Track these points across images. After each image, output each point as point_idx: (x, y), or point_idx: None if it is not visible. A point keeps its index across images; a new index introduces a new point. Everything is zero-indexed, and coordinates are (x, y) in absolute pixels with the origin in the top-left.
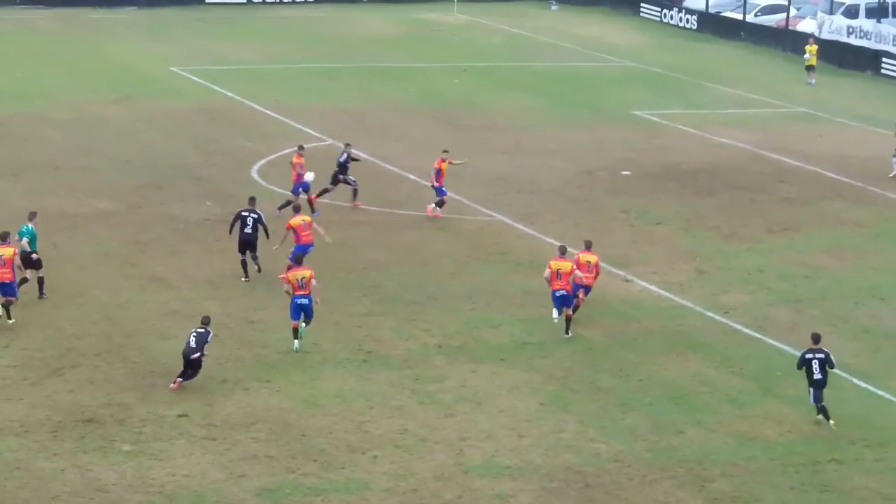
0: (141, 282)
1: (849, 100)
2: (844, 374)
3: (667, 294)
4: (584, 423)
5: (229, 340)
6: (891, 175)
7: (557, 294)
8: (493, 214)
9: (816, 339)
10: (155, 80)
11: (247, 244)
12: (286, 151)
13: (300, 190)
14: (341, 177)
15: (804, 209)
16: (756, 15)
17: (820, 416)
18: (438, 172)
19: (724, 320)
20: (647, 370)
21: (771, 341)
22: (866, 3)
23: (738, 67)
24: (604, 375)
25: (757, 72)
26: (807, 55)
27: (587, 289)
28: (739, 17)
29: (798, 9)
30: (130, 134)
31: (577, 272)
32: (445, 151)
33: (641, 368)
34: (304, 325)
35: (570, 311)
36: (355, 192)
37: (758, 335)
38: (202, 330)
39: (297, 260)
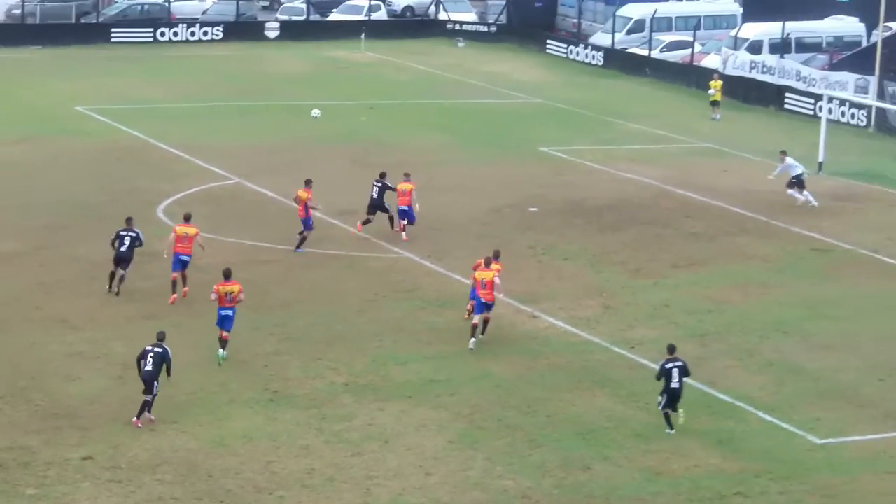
0: (45, 323)
1: (753, 134)
2: (749, 408)
3: (574, 330)
4: (491, 460)
5: (135, 382)
6: (798, 204)
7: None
8: (402, 252)
9: (672, 349)
10: (60, 120)
11: (121, 260)
12: (193, 190)
13: (311, 225)
14: (378, 205)
15: (710, 244)
16: (661, 51)
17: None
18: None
19: (631, 355)
20: (555, 406)
21: None
22: (769, 39)
23: (645, 103)
24: (511, 412)
25: (663, 108)
26: (711, 90)
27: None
28: (645, 53)
29: (703, 45)
30: (34, 174)
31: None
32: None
33: (549, 404)
34: (221, 352)
35: (488, 314)
36: (391, 220)
37: None
38: (160, 350)
39: (226, 275)
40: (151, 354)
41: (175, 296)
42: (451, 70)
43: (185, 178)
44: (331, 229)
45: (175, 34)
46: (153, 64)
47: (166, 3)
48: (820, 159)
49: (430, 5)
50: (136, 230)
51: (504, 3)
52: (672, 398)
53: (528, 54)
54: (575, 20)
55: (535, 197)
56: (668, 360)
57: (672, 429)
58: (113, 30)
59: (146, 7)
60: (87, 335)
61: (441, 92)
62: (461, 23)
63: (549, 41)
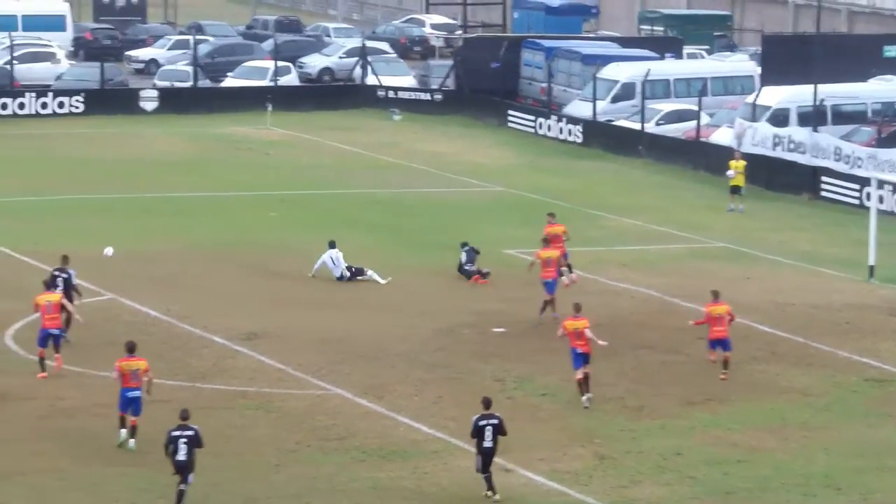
0: None
1: (782, 231)
2: None
3: (559, 487)
4: None
5: None
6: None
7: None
8: (328, 387)
9: (488, 403)
10: None
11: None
12: None
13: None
14: (470, 268)
15: (732, 373)
16: (658, 124)
17: (488, 493)
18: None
19: None
20: None
21: None
22: (798, 107)
23: (638, 191)
24: None
25: (662, 196)
26: (731, 172)
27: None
28: (637, 126)
29: (711, 115)
30: None
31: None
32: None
33: None
34: (127, 436)
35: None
36: (486, 274)
37: None
38: (190, 432)
39: (130, 349)
40: (184, 441)
41: (44, 373)
42: (383, 150)
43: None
44: (234, 359)
45: (21, 106)
46: None
47: (7, 67)
48: (870, 262)
49: (354, 67)
50: (69, 270)
51: (451, 64)
52: (487, 457)
53: (483, 129)
54: (543, 84)
55: (501, 314)
56: (483, 417)
57: (496, 493)
58: None
59: None
60: None
61: (371, 179)
62: (396, 89)
63: (510, 112)
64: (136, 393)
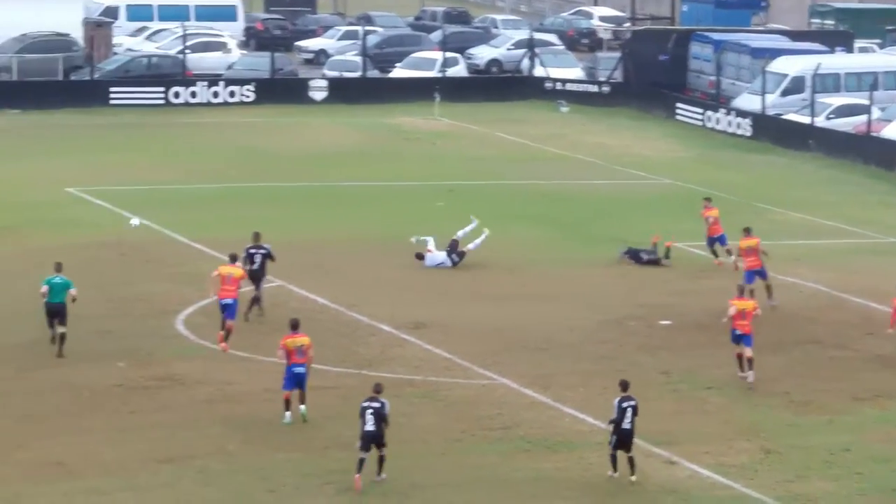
0: (34, 468)
1: None
2: None
3: (724, 480)
4: None
5: None
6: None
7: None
8: (494, 377)
9: (625, 385)
10: (47, 206)
11: (256, 281)
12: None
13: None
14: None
15: None
16: (828, 118)
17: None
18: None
19: None
20: None
21: None
22: None
23: (807, 185)
24: None
25: (831, 191)
26: None
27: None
28: (806, 120)
29: (882, 109)
30: (15, 278)
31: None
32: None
33: None
34: (301, 406)
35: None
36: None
37: None
38: (377, 404)
39: (294, 325)
40: (371, 412)
41: (225, 344)
42: (550, 142)
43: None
44: (401, 348)
45: (193, 95)
46: (165, 134)
47: (180, 56)
48: None
49: (521, 59)
50: (266, 246)
51: (619, 56)
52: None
53: (651, 121)
54: (712, 77)
55: (668, 307)
56: (624, 399)
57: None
58: (112, 89)
59: (154, 60)
60: (88, 483)
61: (538, 170)
62: (564, 81)
63: (678, 105)
64: (302, 369)
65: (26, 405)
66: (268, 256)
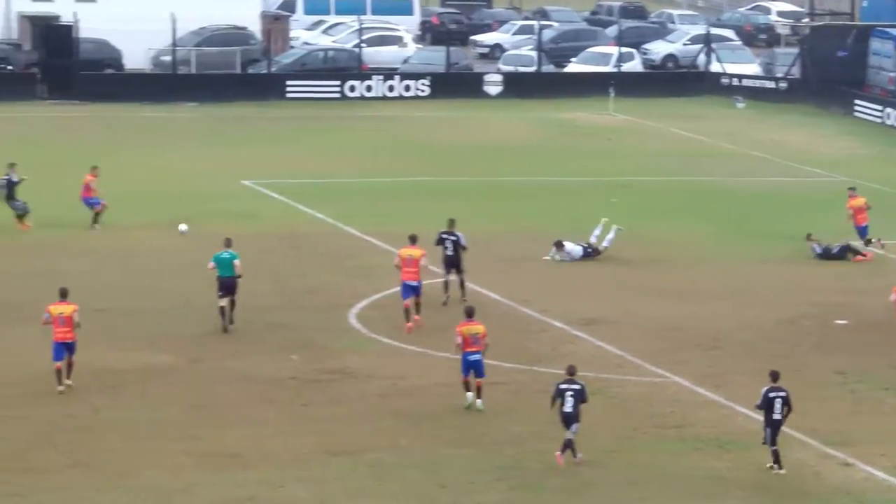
0: (207, 458)
1: None
2: None
3: None
4: None
5: None
6: None
7: None
8: (666, 374)
9: (776, 376)
10: (222, 198)
11: (452, 264)
12: (394, 290)
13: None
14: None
15: None
16: None
17: (774, 465)
18: None
19: None
20: None
21: None
22: None
23: None
24: None
25: None
26: None
27: None
28: None
29: None
30: (191, 268)
31: None
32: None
33: None
34: (478, 401)
35: None
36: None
37: None
38: (577, 386)
39: (469, 313)
40: (570, 393)
41: (409, 324)
42: (725, 138)
43: (384, 274)
44: (572, 344)
45: (368, 89)
46: (340, 126)
47: (356, 50)
48: None
49: (698, 54)
50: (457, 233)
51: (797, 52)
52: (775, 429)
53: (828, 119)
54: (892, 74)
55: (844, 306)
56: (772, 389)
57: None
58: (289, 83)
59: (331, 54)
60: (261, 475)
61: (712, 167)
62: (740, 77)
63: (857, 101)
64: (477, 356)
65: (200, 396)
66: (457, 244)
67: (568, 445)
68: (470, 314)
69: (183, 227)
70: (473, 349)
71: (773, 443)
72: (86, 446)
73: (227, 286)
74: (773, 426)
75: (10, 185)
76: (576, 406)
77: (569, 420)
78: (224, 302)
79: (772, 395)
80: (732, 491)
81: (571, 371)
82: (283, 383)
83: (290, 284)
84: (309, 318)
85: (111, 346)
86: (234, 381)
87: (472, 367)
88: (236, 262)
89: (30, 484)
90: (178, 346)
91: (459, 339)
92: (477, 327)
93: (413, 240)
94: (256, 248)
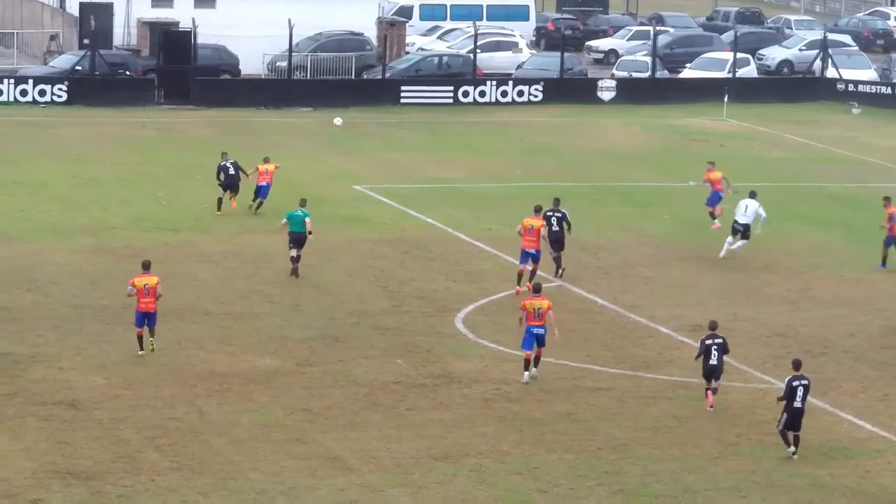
0: (311, 462)
1: None
2: None
3: None
4: None
5: None
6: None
7: None
8: (772, 381)
9: (798, 365)
10: (335, 203)
11: (556, 240)
12: (501, 295)
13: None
14: None
15: None
16: None
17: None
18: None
19: None
20: None
21: None
22: None
23: None
24: None
25: None
26: None
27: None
28: None
29: None
30: (313, 272)
31: None
32: None
33: None
34: (534, 369)
35: None
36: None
37: None
38: (720, 339)
39: (536, 289)
40: (715, 348)
41: (519, 287)
42: (840, 144)
43: (491, 279)
44: (678, 350)
45: (482, 94)
46: (452, 132)
47: (471, 56)
48: None
49: (814, 60)
50: (562, 210)
51: None
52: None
53: None
54: None
55: None
56: (795, 378)
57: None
58: (403, 88)
59: (445, 60)
60: (364, 479)
61: (826, 173)
62: (856, 83)
63: None
64: (541, 330)
65: (306, 399)
66: (563, 220)
67: (714, 391)
68: (537, 290)
69: (338, 120)
70: (537, 323)
71: (792, 429)
72: (190, 449)
73: (298, 240)
74: (795, 414)
75: (226, 171)
76: (720, 359)
77: (714, 372)
78: (295, 252)
79: (795, 383)
80: (835, 499)
81: (713, 326)
82: (388, 387)
83: (398, 288)
84: (415, 323)
85: (218, 349)
86: (340, 384)
87: (536, 340)
88: (308, 220)
89: (134, 485)
90: (285, 349)
91: (523, 313)
92: (542, 302)
93: (538, 210)
94: (365, 252)
